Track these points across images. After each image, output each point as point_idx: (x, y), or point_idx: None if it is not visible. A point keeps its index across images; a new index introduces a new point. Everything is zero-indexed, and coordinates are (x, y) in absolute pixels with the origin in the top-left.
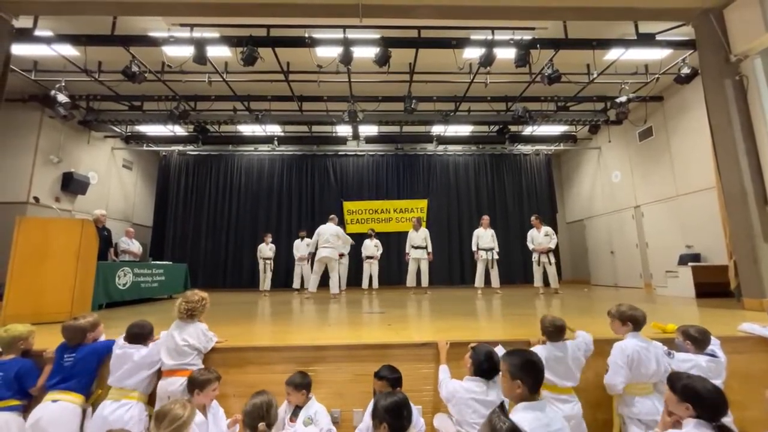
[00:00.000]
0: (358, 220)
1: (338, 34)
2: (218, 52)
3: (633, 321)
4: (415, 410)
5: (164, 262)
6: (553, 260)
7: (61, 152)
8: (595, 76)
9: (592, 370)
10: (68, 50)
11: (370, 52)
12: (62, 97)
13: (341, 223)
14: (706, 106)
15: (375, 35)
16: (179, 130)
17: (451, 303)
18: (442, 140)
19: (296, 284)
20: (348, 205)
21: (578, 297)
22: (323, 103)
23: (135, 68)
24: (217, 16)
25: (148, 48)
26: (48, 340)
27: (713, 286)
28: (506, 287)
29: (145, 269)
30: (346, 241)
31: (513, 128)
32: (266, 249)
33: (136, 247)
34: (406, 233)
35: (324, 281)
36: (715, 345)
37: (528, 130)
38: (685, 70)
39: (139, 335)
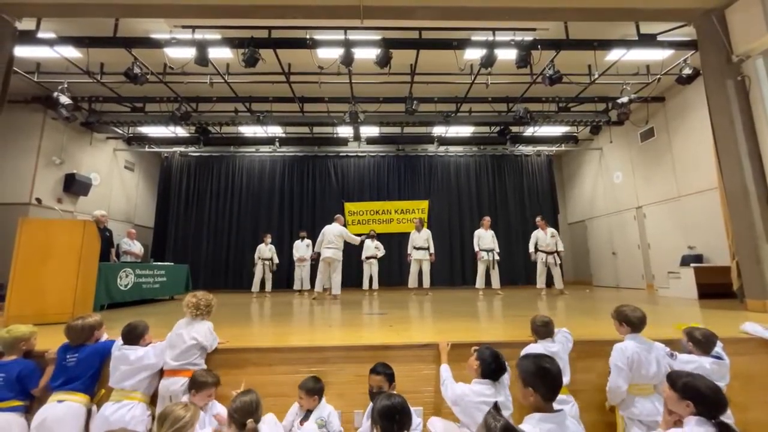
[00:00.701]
0: (359, 221)
1: (339, 36)
2: (220, 54)
3: (629, 322)
4: (414, 412)
5: (166, 263)
6: (559, 261)
7: (63, 153)
8: (596, 76)
9: (593, 371)
10: (71, 52)
11: (371, 53)
12: (65, 99)
13: (342, 224)
14: (708, 106)
15: (376, 36)
16: (181, 132)
17: (452, 304)
18: (443, 141)
19: (296, 286)
20: (349, 206)
21: (580, 298)
22: (324, 104)
23: (137, 70)
24: (219, 17)
25: (150, 50)
26: (50, 341)
27: (716, 287)
28: (508, 288)
29: (147, 270)
30: (351, 240)
31: (514, 129)
32: (265, 249)
33: (137, 248)
34: (407, 234)
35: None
36: (718, 347)
37: (529, 131)
38: (687, 71)
39: (132, 335)
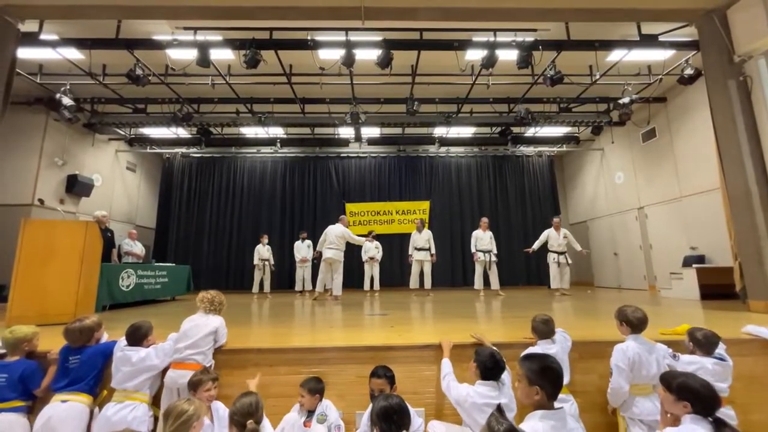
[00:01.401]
0: (360, 221)
1: (340, 37)
2: (221, 55)
3: (629, 323)
4: (414, 413)
5: (167, 264)
6: (570, 261)
7: (65, 155)
8: (597, 77)
9: (595, 372)
10: (73, 54)
11: (372, 54)
12: (67, 100)
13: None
14: (710, 106)
15: (377, 37)
16: (182, 133)
17: (453, 305)
18: (444, 142)
19: (298, 286)
20: (350, 207)
21: (581, 299)
22: (325, 105)
23: (139, 71)
24: (220, 19)
25: (152, 51)
26: (52, 342)
27: (718, 288)
28: (509, 289)
29: (149, 271)
30: (354, 241)
31: (515, 130)
32: (263, 250)
33: (138, 248)
34: (408, 235)
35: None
36: (721, 348)
37: (530, 132)
38: (689, 71)
39: (136, 335)
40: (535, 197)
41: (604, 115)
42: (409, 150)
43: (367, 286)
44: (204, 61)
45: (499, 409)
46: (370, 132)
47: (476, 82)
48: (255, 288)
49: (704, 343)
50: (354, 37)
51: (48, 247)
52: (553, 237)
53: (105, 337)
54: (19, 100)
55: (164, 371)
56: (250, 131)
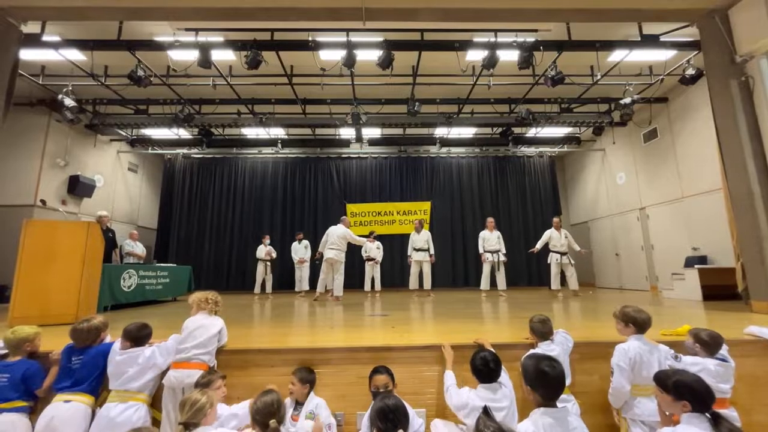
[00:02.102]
0: (361, 222)
1: (341, 38)
2: (223, 56)
3: (635, 323)
4: (414, 413)
5: (168, 265)
6: (573, 261)
7: (67, 155)
8: (598, 77)
9: (596, 373)
10: (75, 55)
11: (373, 55)
12: (69, 101)
13: None
14: (712, 107)
15: (378, 38)
16: (184, 134)
17: (454, 305)
18: (445, 142)
19: (297, 287)
20: (351, 208)
21: (583, 300)
22: (326, 106)
23: (141, 72)
24: (222, 20)
25: (154, 52)
26: (54, 342)
27: (720, 289)
28: (511, 289)
29: (150, 272)
30: (356, 242)
31: (516, 130)
32: (265, 250)
33: (140, 249)
34: (409, 235)
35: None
36: (723, 349)
37: (531, 132)
38: (690, 71)
39: (141, 333)
40: (537, 198)
41: (606, 116)
42: (410, 150)
43: (368, 286)
44: (205, 62)
45: (486, 411)
46: (371, 133)
47: (477, 83)
48: (257, 288)
49: (711, 343)
50: (355, 38)
51: (50, 248)
52: (555, 237)
53: (108, 339)
54: (22, 101)
55: (163, 372)
56: (251, 132)
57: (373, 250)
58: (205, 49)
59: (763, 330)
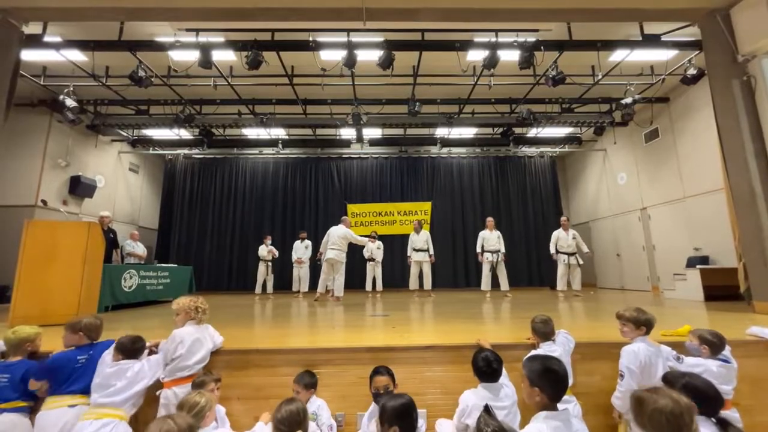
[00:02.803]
0: (361, 222)
1: (342, 38)
2: (223, 56)
3: (647, 325)
4: (418, 414)
5: (169, 265)
6: (581, 262)
7: (68, 156)
8: (600, 77)
9: (598, 374)
10: (76, 55)
11: (373, 55)
12: (70, 102)
13: None
14: (713, 107)
15: (378, 38)
16: (185, 134)
17: (455, 306)
18: (446, 143)
19: (295, 287)
20: (352, 208)
21: (584, 300)
22: (327, 106)
23: (141, 73)
24: (222, 20)
25: (155, 53)
26: (55, 342)
27: (722, 289)
28: (512, 290)
29: (151, 272)
30: (357, 242)
31: (517, 130)
32: (266, 250)
33: (140, 249)
34: (409, 236)
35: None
36: (726, 350)
37: (532, 132)
38: (692, 71)
39: (134, 350)
40: (537, 198)
41: (607, 116)
42: (410, 151)
43: (368, 286)
44: (206, 62)
45: (487, 410)
46: (372, 133)
47: (478, 83)
48: (258, 288)
49: (718, 343)
50: (355, 38)
51: (51, 248)
52: (563, 237)
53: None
54: (23, 102)
55: (155, 387)
56: (252, 132)
57: (374, 250)
58: (205, 49)
59: (765, 330)
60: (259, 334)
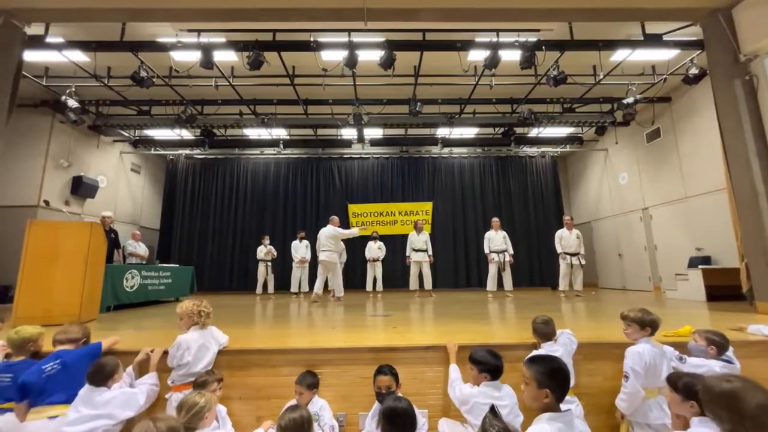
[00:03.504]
0: (363, 222)
1: (343, 38)
2: (225, 57)
3: (652, 326)
4: (418, 414)
5: (171, 265)
6: (583, 262)
7: (71, 156)
8: (601, 77)
9: (599, 374)
10: (78, 56)
11: (374, 56)
12: (72, 103)
13: (346, 225)
14: (716, 106)
15: (380, 38)
16: (186, 134)
17: (457, 306)
18: (447, 143)
19: (294, 288)
20: (353, 208)
21: (586, 300)
22: (328, 106)
23: (143, 73)
24: (224, 21)
25: (156, 53)
26: None
27: (725, 290)
28: (514, 290)
29: (152, 272)
30: (346, 236)
31: (518, 130)
32: (264, 251)
33: (142, 249)
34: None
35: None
36: (729, 350)
37: (534, 132)
38: (693, 71)
39: (100, 375)
40: (539, 198)
41: (608, 116)
42: (411, 151)
43: (369, 286)
44: (207, 62)
45: (493, 410)
46: (373, 133)
47: (479, 83)
48: (259, 289)
49: (724, 343)
50: (357, 38)
51: (53, 248)
52: (566, 237)
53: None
54: (26, 103)
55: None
56: (253, 132)
57: (375, 250)
58: (207, 50)
59: (760, 327)
60: (261, 334)
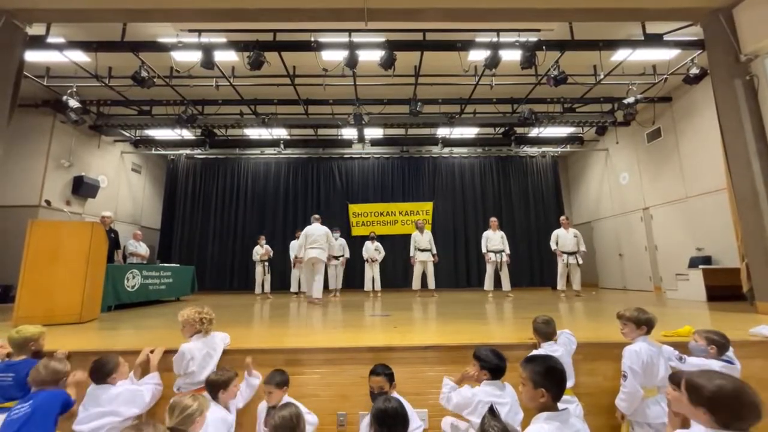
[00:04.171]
0: (363, 222)
1: (344, 38)
2: (225, 57)
3: (648, 324)
4: (414, 414)
5: (172, 265)
6: (581, 261)
7: (72, 156)
8: (601, 77)
9: (599, 374)
10: (79, 56)
11: (375, 56)
12: (73, 103)
13: (347, 225)
14: (716, 106)
15: (380, 38)
16: (187, 134)
17: (457, 306)
18: (448, 143)
19: (293, 288)
20: (353, 208)
21: (586, 300)
22: (329, 106)
23: (144, 73)
24: (224, 21)
25: (157, 53)
26: (59, 342)
27: (725, 290)
28: (514, 290)
29: (153, 272)
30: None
31: (519, 130)
32: (261, 251)
33: (143, 249)
34: (410, 236)
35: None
36: (730, 351)
37: (534, 132)
38: (694, 71)
39: (101, 372)
40: (539, 198)
41: (609, 116)
42: (412, 151)
43: (368, 286)
44: (208, 63)
45: (491, 410)
46: (373, 133)
47: (479, 83)
48: (258, 289)
49: (724, 342)
50: (357, 38)
51: (54, 248)
52: (563, 236)
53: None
54: (27, 103)
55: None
56: (253, 132)
57: (372, 251)
58: (207, 50)
59: (763, 329)
60: (260, 333)
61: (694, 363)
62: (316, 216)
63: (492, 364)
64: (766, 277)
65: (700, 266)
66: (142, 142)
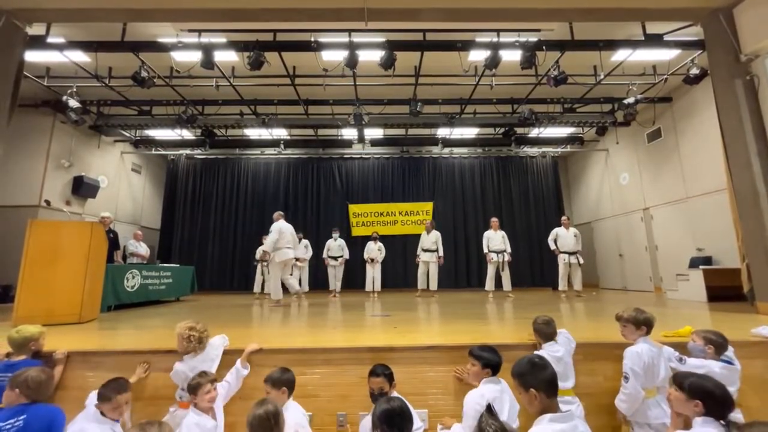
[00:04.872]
0: (363, 222)
1: (344, 38)
2: (225, 57)
3: (647, 325)
4: (415, 414)
5: (172, 265)
6: (581, 261)
7: (72, 156)
8: (602, 77)
9: (600, 374)
10: (80, 56)
11: (375, 56)
12: (73, 103)
13: (347, 225)
14: (716, 106)
15: (380, 39)
16: (187, 134)
17: (458, 306)
18: (448, 143)
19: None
20: (353, 208)
21: (587, 300)
22: (329, 106)
23: (144, 74)
24: (224, 21)
25: (157, 53)
26: (58, 341)
27: (726, 290)
28: (514, 290)
29: (153, 272)
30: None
31: (519, 130)
32: (260, 251)
33: (143, 249)
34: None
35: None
36: (729, 351)
37: (534, 132)
38: (694, 71)
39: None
40: (539, 198)
41: (609, 116)
42: (412, 151)
43: (368, 287)
44: (208, 63)
45: (489, 410)
46: (374, 133)
47: (479, 83)
48: (257, 288)
49: (723, 343)
50: (357, 38)
51: (54, 248)
52: (563, 236)
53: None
54: (27, 103)
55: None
56: (253, 133)
57: (374, 251)
58: (207, 50)
59: (764, 329)
60: (259, 333)
61: (693, 364)
62: (281, 213)
63: (493, 361)
64: (766, 278)
65: (701, 266)
66: (142, 142)
